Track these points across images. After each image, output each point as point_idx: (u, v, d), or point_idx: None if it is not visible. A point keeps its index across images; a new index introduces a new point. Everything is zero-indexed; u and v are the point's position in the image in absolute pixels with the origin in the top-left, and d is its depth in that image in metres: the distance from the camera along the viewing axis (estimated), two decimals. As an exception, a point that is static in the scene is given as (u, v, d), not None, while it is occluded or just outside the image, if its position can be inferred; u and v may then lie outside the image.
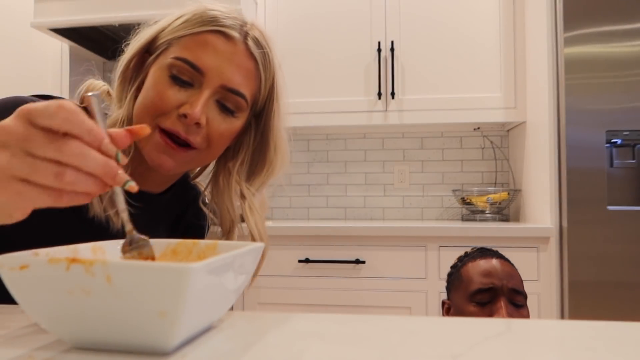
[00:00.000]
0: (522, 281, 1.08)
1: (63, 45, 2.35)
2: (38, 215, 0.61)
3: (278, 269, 1.93)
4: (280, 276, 1.92)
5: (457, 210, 2.46)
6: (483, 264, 1.09)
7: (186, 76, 0.66)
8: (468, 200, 2.28)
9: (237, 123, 0.71)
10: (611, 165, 1.78)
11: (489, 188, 2.31)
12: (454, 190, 2.36)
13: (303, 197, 2.57)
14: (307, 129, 2.49)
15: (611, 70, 1.76)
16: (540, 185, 1.95)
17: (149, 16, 0.74)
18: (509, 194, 2.23)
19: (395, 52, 2.18)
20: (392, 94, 2.17)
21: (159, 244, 0.54)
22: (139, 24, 0.75)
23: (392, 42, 2.18)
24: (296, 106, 2.24)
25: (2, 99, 0.68)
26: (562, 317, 1.75)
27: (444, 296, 1.86)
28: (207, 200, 0.80)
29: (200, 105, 0.65)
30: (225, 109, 0.69)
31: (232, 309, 0.54)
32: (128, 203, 0.70)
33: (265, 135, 0.76)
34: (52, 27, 2.15)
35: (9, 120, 0.39)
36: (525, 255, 1.82)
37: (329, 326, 0.49)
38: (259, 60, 0.71)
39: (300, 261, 1.91)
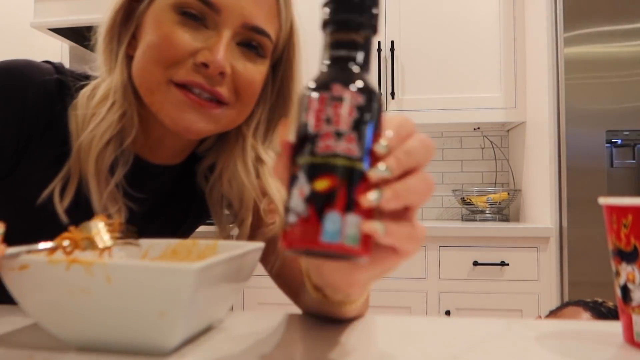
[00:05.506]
0: None
1: (63, 45, 2.35)
2: (33, 219, 0.60)
3: (278, 269, 1.92)
4: (280, 276, 1.91)
5: (457, 210, 2.46)
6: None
7: (198, 16, 0.55)
8: (468, 200, 2.28)
9: (263, 70, 0.60)
10: (611, 165, 1.78)
11: (489, 188, 2.31)
12: (453, 190, 2.36)
13: (303, 197, 2.57)
14: (307, 129, 2.49)
15: (611, 70, 1.76)
16: (540, 185, 1.95)
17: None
18: (509, 194, 2.23)
19: (395, 52, 2.18)
20: (392, 94, 2.17)
21: (159, 244, 0.54)
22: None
23: (392, 42, 2.18)
24: (296, 106, 2.23)
25: (9, 61, 0.60)
26: (562, 317, 1.75)
27: (444, 296, 1.87)
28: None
29: (222, 50, 0.54)
30: (250, 52, 0.58)
31: (232, 309, 0.54)
32: (150, 177, 0.64)
33: (287, 85, 0.66)
34: (52, 27, 2.15)
35: None
36: (525, 255, 1.82)
37: (328, 326, 0.49)
38: None
39: (300, 261, 1.91)
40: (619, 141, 1.77)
